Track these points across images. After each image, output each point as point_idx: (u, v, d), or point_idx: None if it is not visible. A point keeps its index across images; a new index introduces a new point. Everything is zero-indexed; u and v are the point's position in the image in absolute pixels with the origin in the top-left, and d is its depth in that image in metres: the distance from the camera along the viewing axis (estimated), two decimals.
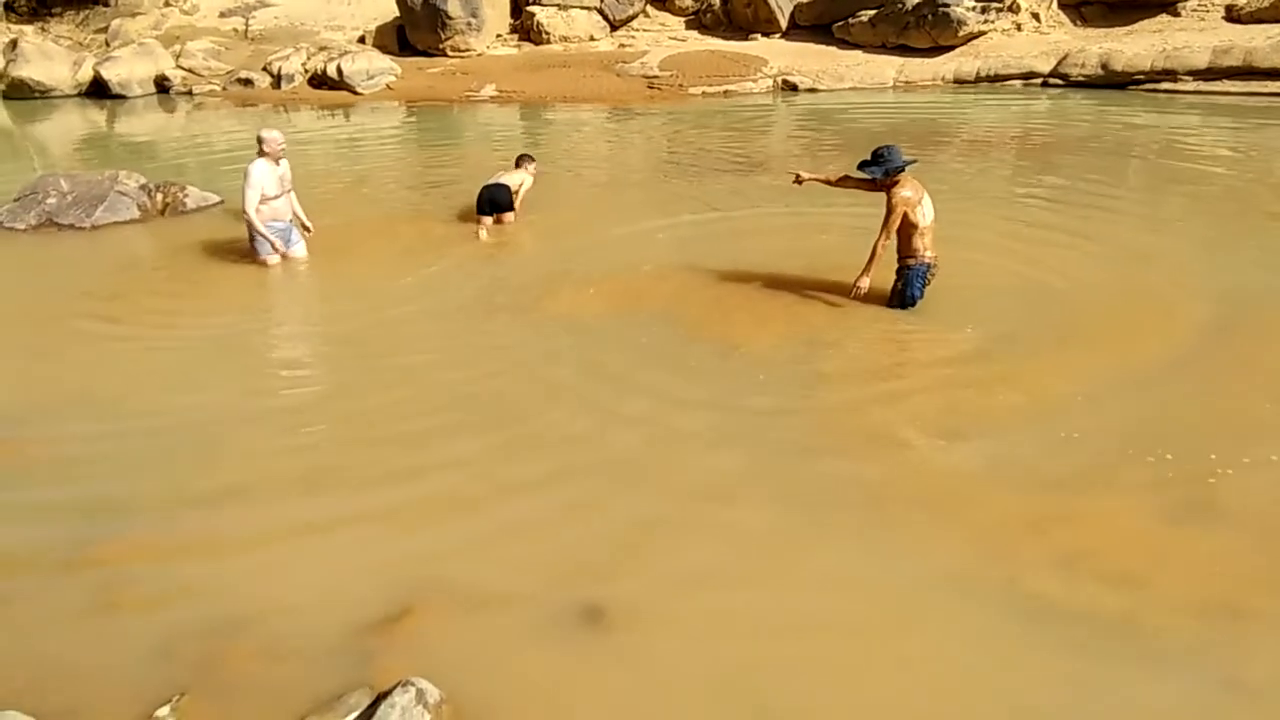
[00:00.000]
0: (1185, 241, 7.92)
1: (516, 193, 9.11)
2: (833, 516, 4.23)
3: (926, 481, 4.47)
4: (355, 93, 19.68)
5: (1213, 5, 17.57)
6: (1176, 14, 17.75)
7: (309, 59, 20.83)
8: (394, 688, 3.15)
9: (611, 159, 13.45)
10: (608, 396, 5.43)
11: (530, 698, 3.26)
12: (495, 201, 8.97)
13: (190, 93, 20.61)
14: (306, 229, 8.21)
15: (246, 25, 23.31)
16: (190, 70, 21.26)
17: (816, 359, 5.86)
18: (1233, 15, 17.15)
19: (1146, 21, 17.87)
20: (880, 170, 6.29)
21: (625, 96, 18.10)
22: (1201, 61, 15.86)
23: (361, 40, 22.52)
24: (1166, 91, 15.90)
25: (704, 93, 18.22)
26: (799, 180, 6.89)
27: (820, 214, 8.66)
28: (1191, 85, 15.85)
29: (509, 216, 9.03)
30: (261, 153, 7.70)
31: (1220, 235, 8.01)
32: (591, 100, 17.96)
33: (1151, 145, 12.12)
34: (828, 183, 6.88)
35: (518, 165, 9.47)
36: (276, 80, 20.50)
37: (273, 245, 7.80)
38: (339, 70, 19.94)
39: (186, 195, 10.15)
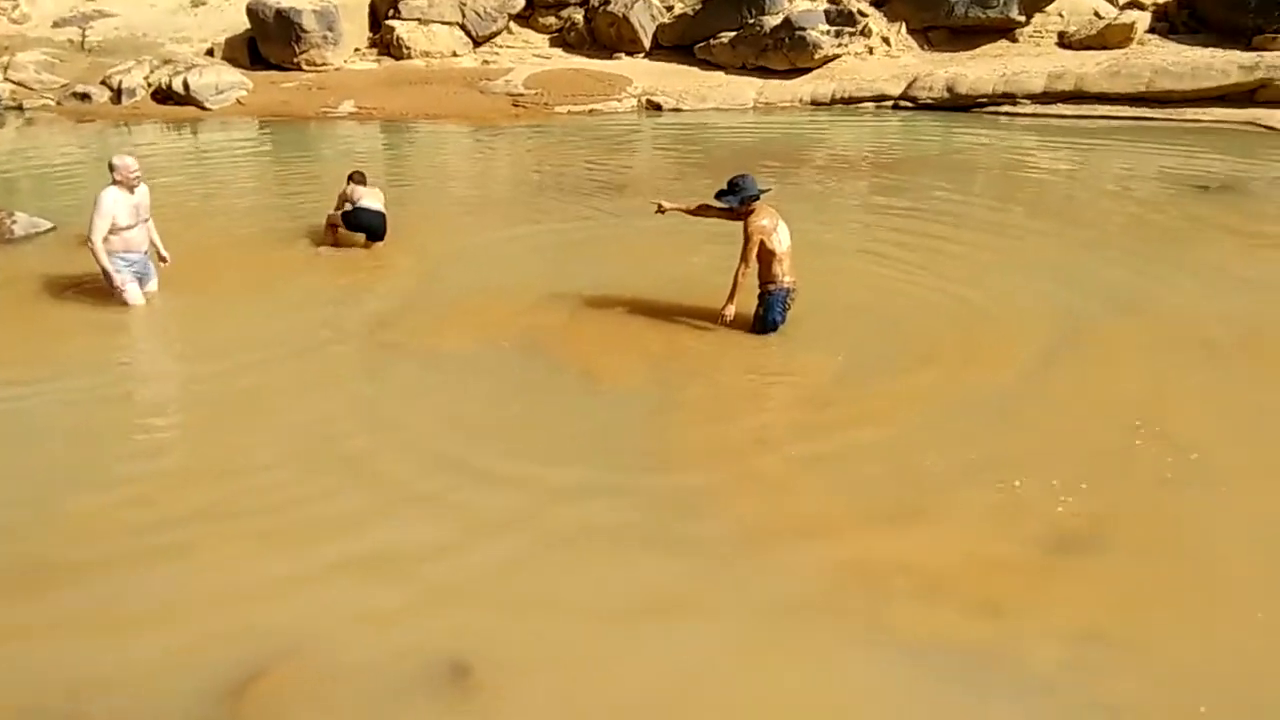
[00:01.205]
0: (1024, 258, 8.32)
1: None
2: (690, 548, 4.22)
3: (785, 512, 4.51)
4: (203, 108, 18.81)
5: (1047, 32, 18.65)
6: (1015, 40, 18.76)
7: (152, 72, 19.80)
8: None
9: (477, 178, 13.29)
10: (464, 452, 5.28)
11: None
12: (374, 229, 8.72)
13: (20, 107, 19.27)
14: (163, 259, 7.65)
15: (83, 36, 21.98)
16: (20, 83, 19.89)
17: (677, 388, 5.87)
18: (1065, 42, 18.24)
19: (988, 46, 18.81)
20: (736, 199, 6.40)
21: (490, 114, 17.90)
22: (1038, 86, 16.81)
23: (210, 53, 21.55)
24: (1007, 114, 16.78)
25: (569, 111, 18.20)
26: (661, 210, 6.97)
27: (688, 235, 8.71)
28: (1030, 108, 16.78)
29: (379, 245, 8.80)
30: (114, 181, 7.12)
31: (1059, 251, 8.47)
32: (455, 117, 17.68)
33: (995, 164, 12.77)
34: (689, 212, 6.95)
35: (363, 182, 9.05)
36: (117, 95, 19.37)
37: (114, 281, 7.17)
38: (185, 84, 19.03)
39: (14, 222, 9.41)
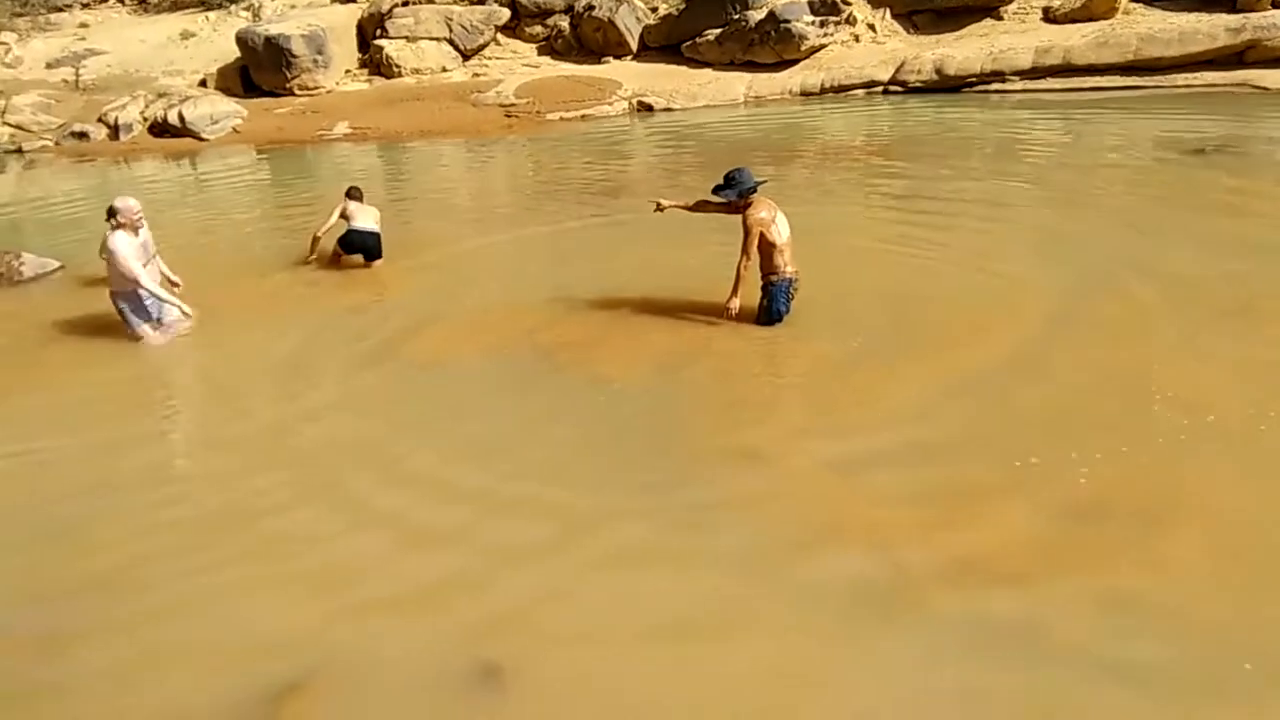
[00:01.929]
0: (1026, 233, 8.39)
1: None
2: (714, 541, 4.28)
3: (810, 500, 4.54)
4: (200, 139, 18.95)
5: (1031, 8, 18.69)
6: (1000, 18, 18.80)
7: (147, 106, 19.95)
8: None
9: (475, 190, 13.38)
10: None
11: None
12: (369, 249, 8.82)
13: (20, 150, 19.41)
14: (175, 284, 7.68)
15: (77, 75, 22.15)
16: (18, 126, 20.06)
17: (689, 388, 5.90)
18: (1050, 16, 18.27)
19: (974, 26, 18.85)
20: (734, 192, 6.47)
21: (483, 127, 18.01)
22: (1026, 62, 16.86)
23: (203, 84, 21.71)
24: (997, 91, 16.85)
25: (562, 118, 18.30)
26: (659, 208, 7.05)
27: (689, 232, 8.79)
28: (1019, 85, 16.84)
29: (378, 264, 8.90)
30: (118, 225, 7.07)
31: (1056, 225, 8.52)
32: (449, 133, 17.79)
33: (988, 142, 12.83)
34: (687, 208, 7.03)
35: (359, 198, 9.14)
36: (114, 131, 19.53)
37: (146, 316, 7.23)
38: (180, 116, 19.17)
39: (22, 263, 9.50)
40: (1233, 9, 16.17)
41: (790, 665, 3.52)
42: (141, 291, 7.16)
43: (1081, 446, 4.73)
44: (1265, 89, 14.87)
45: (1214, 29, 15.75)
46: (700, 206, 6.92)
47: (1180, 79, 15.84)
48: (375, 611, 3.99)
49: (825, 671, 3.49)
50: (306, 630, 3.87)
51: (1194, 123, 12.69)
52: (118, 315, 7.32)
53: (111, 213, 7.14)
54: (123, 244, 7.07)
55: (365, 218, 8.92)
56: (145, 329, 7.33)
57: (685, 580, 4.05)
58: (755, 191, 6.50)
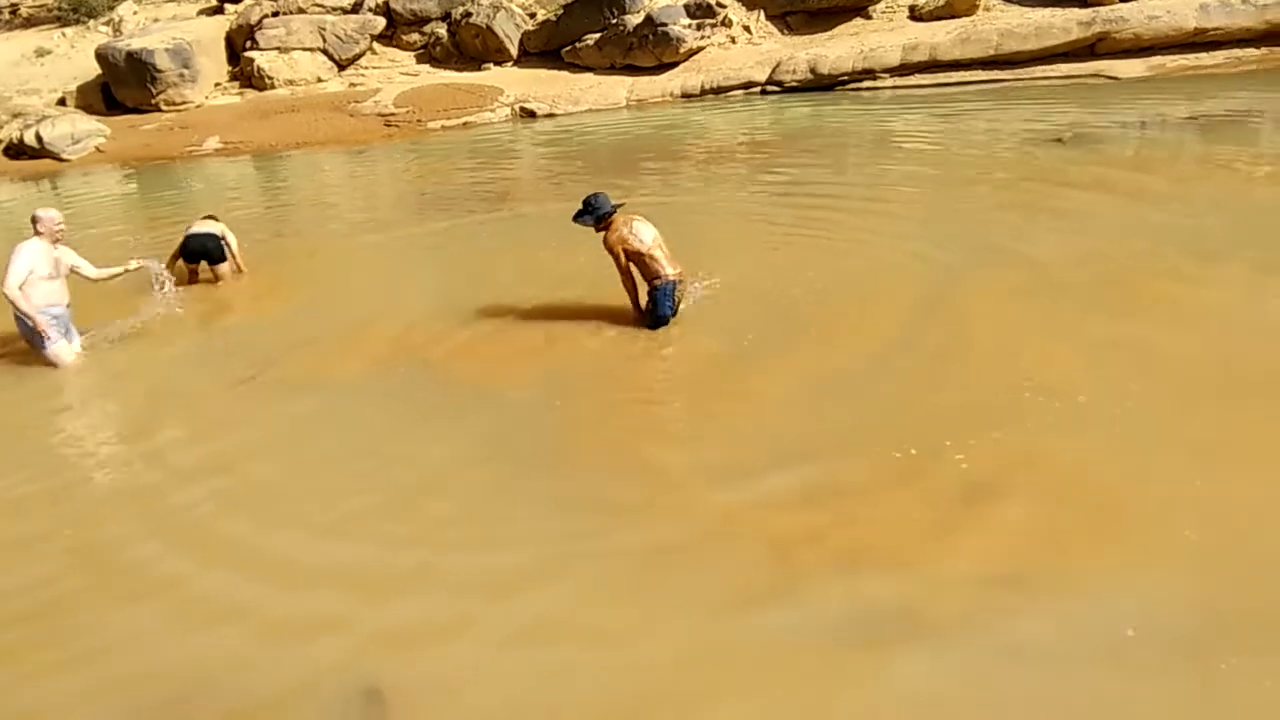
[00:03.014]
0: (902, 223, 8.63)
1: (226, 242, 8.72)
2: (605, 554, 4.25)
3: (698, 508, 4.51)
4: (61, 159, 18.10)
5: (898, 6, 19.34)
6: (869, 17, 19.40)
7: (1, 128, 18.93)
8: None
9: (356, 201, 13.08)
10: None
11: None
12: (208, 252, 8.58)
13: None
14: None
15: None
16: None
17: (579, 397, 5.83)
18: (915, 15, 18.93)
19: (844, 26, 19.40)
20: (591, 218, 6.59)
21: (363, 136, 17.68)
22: (895, 59, 17.43)
23: (62, 102, 20.72)
24: (869, 88, 17.38)
25: (443, 126, 18.10)
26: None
27: (572, 238, 8.76)
28: (890, 81, 17.40)
29: (224, 269, 8.63)
30: (37, 233, 6.94)
31: (930, 213, 8.81)
32: (327, 143, 17.41)
33: (863, 136, 13.21)
34: (628, 276, 6.68)
35: (213, 219, 9.01)
36: None
37: (41, 336, 6.80)
38: (38, 137, 18.27)
39: None
40: (1083, 4, 17.04)
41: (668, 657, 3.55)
42: (16, 298, 6.75)
43: (956, 434, 4.79)
44: (1116, 78, 15.70)
45: (1067, 23, 16.57)
46: (626, 276, 6.62)
47: (1038, 71, 16.61)
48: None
49: (716, 662, 3.51)
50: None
51: (1053, 112, 13.31)
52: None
53: (33, 220, 7.02)
54: (29, 248, 6.85)
55: (201, 225, 8.75)
56: (52, 348, 6.91)
57: (581, 588, 4.04)
58: (614, 214, 6.58)
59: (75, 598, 4.23)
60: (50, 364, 6.96)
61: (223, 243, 8.68)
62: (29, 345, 6.99)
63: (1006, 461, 4.60)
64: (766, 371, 5.84)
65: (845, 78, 17.63)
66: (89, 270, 7.35)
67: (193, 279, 8.73)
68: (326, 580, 4.18)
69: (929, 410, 5.16)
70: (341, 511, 4.72)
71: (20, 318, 6.86)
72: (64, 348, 7.00)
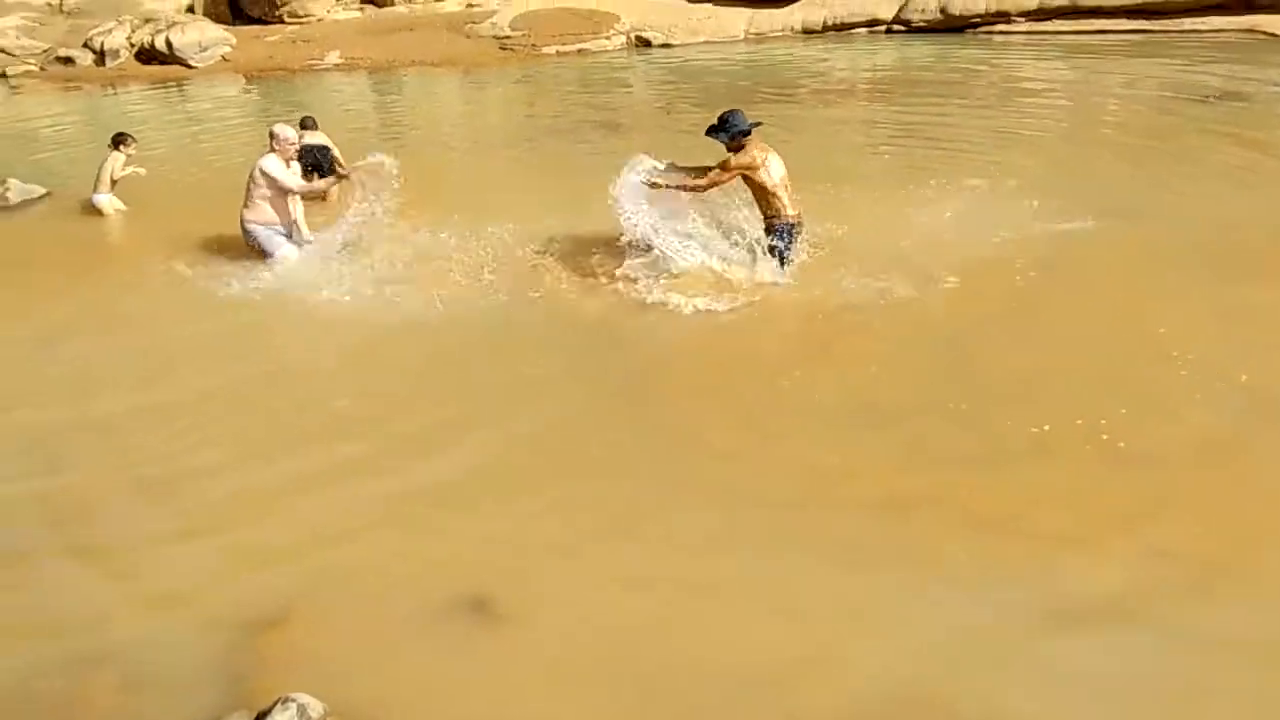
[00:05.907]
0: (1021, 178, 8.21)
1: (334, 155, 8.73)
2: (688, 485, 4.25)
3: (820, 475, 4.35)
4: (189, 66, 18.57)
5: None
6: None
7: (134, 32, 19.50)
8: (273, 706, 3.02)
9: (470, 125, 13.15)
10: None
11: (419, 700, 3.18)
12: (319, 165, 8.51)
13: (4, 74, 19.03)
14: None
15: None
16: (1, 50, 19.63)
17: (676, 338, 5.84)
18: None
19: None
20: (725, 135, 6.28)
21: (478, 58, 17.67)
22: (1032, 2, 16.51)
23: (190, 10, 21.23)
24: (1002, 33, 16.54)
25: (558, 52, 17.96)
26: (655, 187, 6.55)
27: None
28: (1025, 26, 16.53)
29: (324, 184, 8.13)
30: (273, 149, 7.10)
31: (1052, 169, 8.38)
32: (442, 64, 17.46)
33: (993, 83, 12.61)
34: (682, 189, 6.54)
35: (314, 127, 9.00)
36: (100, 57, 19.13)
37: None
38: (168, 43, 18.76)
39: (8, 189, 9.38)
40: None
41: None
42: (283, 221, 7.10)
43: (1106, 409, 4.50)
44: (1274, 35, 14.60)
45: None
46: (693, 186, 6.47)
47: (1188, 23, 15.55)
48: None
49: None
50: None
51: (1201, 68, 12.47)
52: (249, 244, 7.21)
53: (271, 136, 7.17)
54: (273, 164, 7.05)
55: (311, 137, 8.77)
56: (281, 248, 7.20)
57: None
58: (749, 135, 6.32)
59: None
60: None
61: (331, 154, 8.73)
62: (260, 249, 7.17)
63: (1175, 441, 4.32)
64: (872, 328, 5.65)
65: (977, 19, 16.81)
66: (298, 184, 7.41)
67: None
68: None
69: (1069, 380, 4.87)
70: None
71: (259, 228, 7.11)
72: (291, 249, 7.23)
